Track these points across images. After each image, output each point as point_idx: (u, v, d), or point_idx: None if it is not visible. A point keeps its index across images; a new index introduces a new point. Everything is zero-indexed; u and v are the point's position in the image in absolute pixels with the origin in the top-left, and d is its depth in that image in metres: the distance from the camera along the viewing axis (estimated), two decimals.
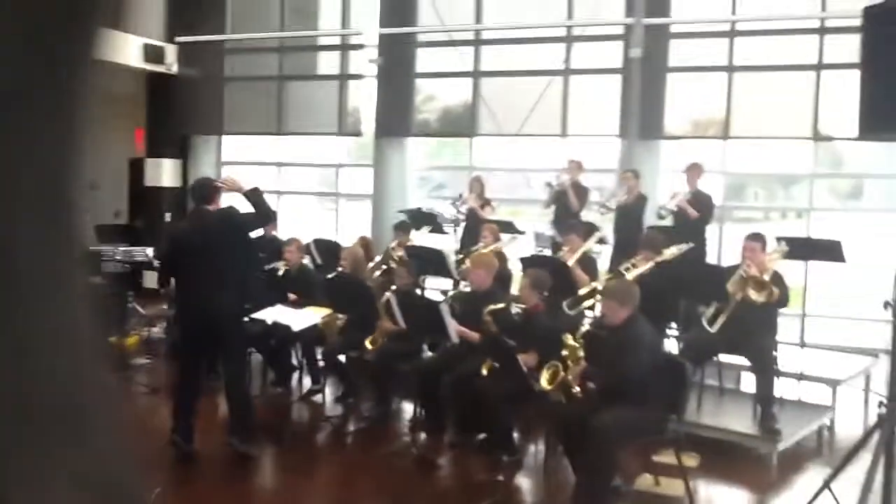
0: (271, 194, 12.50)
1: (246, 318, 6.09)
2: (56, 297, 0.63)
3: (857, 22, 9.38)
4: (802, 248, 7.09)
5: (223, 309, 5.31)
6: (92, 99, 0.64)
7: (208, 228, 5.36)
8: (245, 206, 5.55)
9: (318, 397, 7.24)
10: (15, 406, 0.59)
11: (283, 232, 9.41)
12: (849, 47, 9.81)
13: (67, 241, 0.64)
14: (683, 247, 7.19)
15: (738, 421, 6.35)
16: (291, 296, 6.83)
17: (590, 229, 7.95)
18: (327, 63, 12.51)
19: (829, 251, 6.93)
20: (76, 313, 0.65)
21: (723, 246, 10.14)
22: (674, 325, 7.29)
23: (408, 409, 7.03)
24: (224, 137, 12.93)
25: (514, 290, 7.71)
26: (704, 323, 6.30)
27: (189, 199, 5.70)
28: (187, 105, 12.46)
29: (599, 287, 6.97)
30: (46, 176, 0.61)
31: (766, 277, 6.20)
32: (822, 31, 9.84)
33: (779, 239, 6.99)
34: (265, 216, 5.65)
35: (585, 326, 5.19)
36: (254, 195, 5.51)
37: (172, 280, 5.83)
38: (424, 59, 11.66)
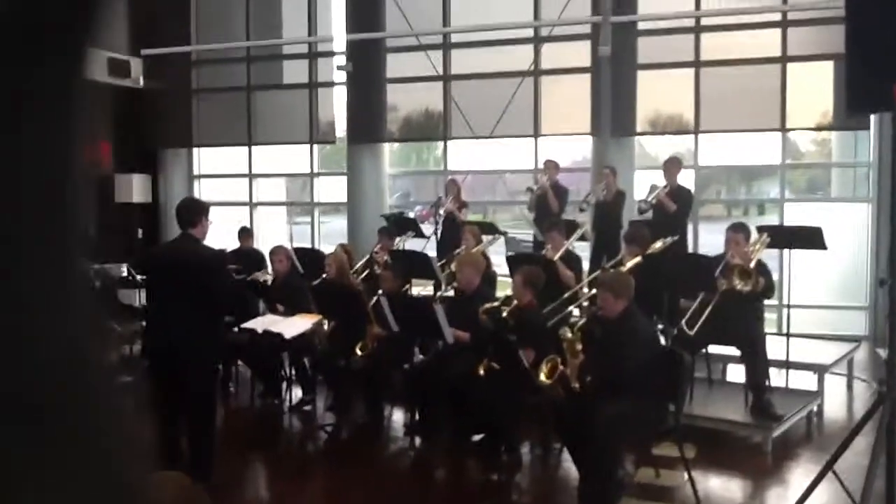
0: (243, 206, 12.41)
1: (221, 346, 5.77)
2: (59, 301, 0.62)
3: (818, 14, 9.64)
4: (783, 237, 7.16)
5: (191, 349, 4.90)
6: (93, 102, 0.64)
7: (189, 259, 4.97)
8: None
9: (309, 407, 7.16)
10: (15, 405, 0.58)
11: (259, 243, 9.32)
12: (811, 39, 10.04)
13: (70, 242, 0.63)
14: (668, 240, 7.25)
15: (731, 410, 6.39)
16: (279, 306, 6.74)
17: (571, 226, 7.97)
18: (296, 71, 12.42)
19: (810, 239, 6.99)
20: (80, 318, 0.64)
21: (697, 242, 10.29)
22: (656, 318, 7.33)
23: (399, 414, 6.98)
24: (195, 150, 12.78)
25: (499, 291, 7.71)
26: (684, 327, 6.30)
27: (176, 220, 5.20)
28: (155, 118, 12.29)
29: (585, 285, 7.01)
30: (48, 176, 0.61)
31: (751, 267, 6.27)
32: (785, 23, 10.01)
33: (760, 229, 7.07)
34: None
35: (581, 320, 5.19)
36: None
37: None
38: (394, 64, 11.64)
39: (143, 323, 6.43)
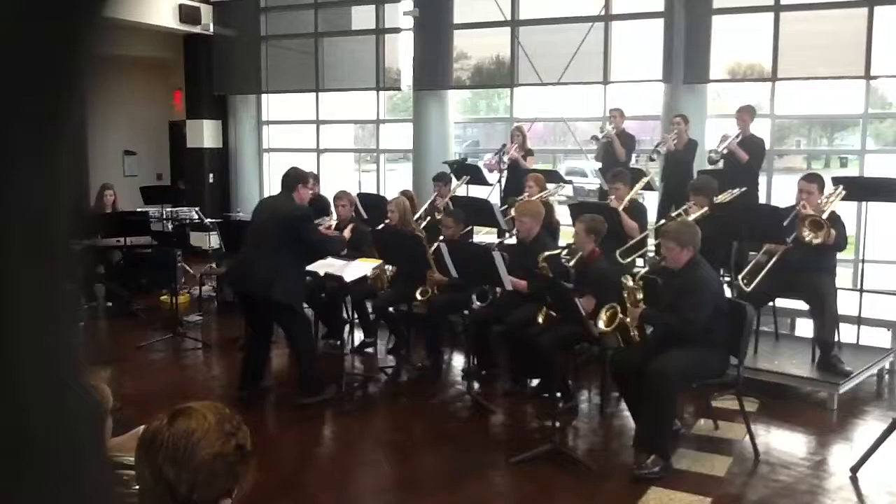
0: (311, 152, 12.53)
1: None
2: (43, 324, 0.62)
3: None
4: (860, 189, 6.86)
5: (278, 288, 5.65)
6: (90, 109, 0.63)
7: (288, 215, 5.83)
8: None
9: (370, 349, 7.29)
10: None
11: (325, 189, 9.41)
12: None
13: (57, 267, 0.63)
14: (736, 191, 7.06)
15: (796, 365, 6.25)
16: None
17: (636, 176, 7.81)
18: (363, 17, 12.36)
19: (888, 191, 6.69)
20: (63, 341, 0.64)
21: (772, 194, 9.96)
22: (722, 271, 7.15)
23: (458, 359, 7.05)
24: (264, 96, 12.90)
25: (561, 240, 7.65)
26: (741, 283, 6.13)
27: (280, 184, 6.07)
28: (225, 65, 12.45)
29: (651, 234, 6.89)
30: (35, 198, 0.59)
31: (823, 219, 6.03)
32: None
33: (835, 180, 6.78)
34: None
35: (643, 270, 5.10)
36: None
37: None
38: (461, 10, 11.47)
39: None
